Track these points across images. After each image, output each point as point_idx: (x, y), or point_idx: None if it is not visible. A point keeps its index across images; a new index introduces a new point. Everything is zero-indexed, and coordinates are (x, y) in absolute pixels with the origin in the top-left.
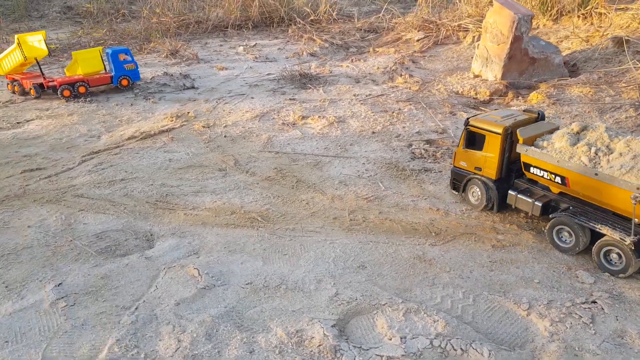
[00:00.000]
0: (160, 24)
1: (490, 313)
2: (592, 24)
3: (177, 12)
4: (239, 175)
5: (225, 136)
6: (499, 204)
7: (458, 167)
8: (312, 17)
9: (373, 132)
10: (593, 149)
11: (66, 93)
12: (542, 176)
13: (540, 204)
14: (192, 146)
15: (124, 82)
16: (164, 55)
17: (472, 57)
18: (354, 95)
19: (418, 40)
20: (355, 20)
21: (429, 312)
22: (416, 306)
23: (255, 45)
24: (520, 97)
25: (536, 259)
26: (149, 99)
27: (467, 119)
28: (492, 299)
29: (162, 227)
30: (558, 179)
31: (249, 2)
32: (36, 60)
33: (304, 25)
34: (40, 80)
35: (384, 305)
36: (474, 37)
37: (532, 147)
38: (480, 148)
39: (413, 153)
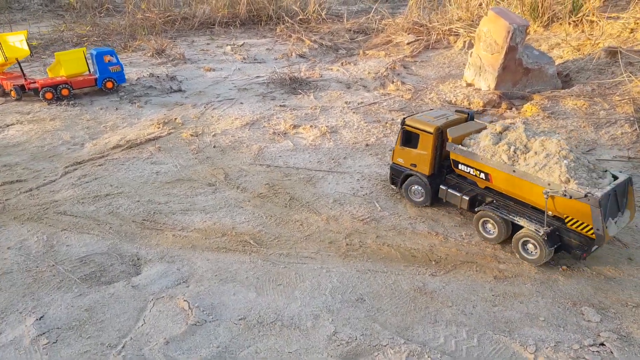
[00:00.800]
0: (146, 20)
1: (496, 356)
2: (583, 31)
3: (163, 8)
4: (229, 191)
5: (214, 146)
6: (433, 197)
7: (396, 164)
8: (300, 17)
9: (367, 145)
10: (512, 148)
11: (48, 95)
12: (469, 172)
13: (467, 198)
14: (180, 157)
15: (109, 85)
16: (150, 54)
17: (464, 64)
18: (346, 102)
19: (408, 44)
20: (345, 20)
21: (433, 356)
22: (419, 348)
23: (243, 44)
24: (514, 108)
25: (540, 292)
26: (135, 102)
27: (404, 118)
28: (497, 340)
29: (149, 251)
30: (482, 175)
31: (239, 1)
32: (17, 60)
33: (293, 24)
34: (22, 81)
35: (385, 346)
36: (464, 42)
37: (460, 146)
38: (415, 146)
39: None
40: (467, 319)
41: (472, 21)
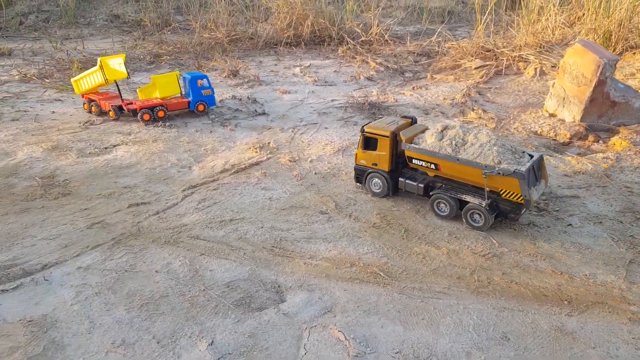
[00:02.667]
0: (212, 39)
1: None
2: None
3: (228, 27)
4: (342, 219)
5: (315, 173)
6: (394, 189)
7: (359, 165)
8: (363, 38)
9: None
10: (453, 142)
11: (146, 117)
12: (421, 165)
13: (422, 185)
14: (286, 183)
15: (200, 108)
16: (225, 74)
17: (539, 92)
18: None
19: (476, 69)
20: (407, 42)
21: None
22: None
23: (309, 66)
24: (600, 141)
25: None
26: (226, 125)
27: (363, 127)
28: None
29: (287, 278)
30: (432, 166)
31: (301, 21)
32: (115, 82)
33: (355, 45)
34: (119, 102)
35: None
36: (535, 69)
37: (412, 145)
38: (374, 149)
39: None
40: None
41: (541, 47)
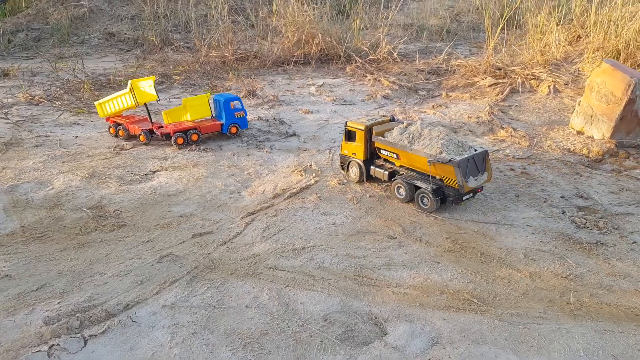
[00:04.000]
0: (219, 58)
1: None
2: None
3: (235, 46)
4: (414, 244)
5: (370, 196)
6: (367, 176)
7: (343, 154)
8: (371, 57)
9: (516, 195)
10: (411, 136)
11: (179, 141)
12: (387, 155)
13: (387, 172)
14: (344, 207)
15: (233, 130)
16: (243, 94)
17: (558, 110)
18: None
19: (490, 87)
20: (417, 61)
21: None
22: None
23: (322, 84)
24: (631, 157)
25: None
26: (262, 148)
27: (346, 122)
28: None
29: (380, 309)
30: (395, 156)
31: (309, 39)
32: (145, 105)
33: (363, 64)
34: (149, 125)
35: None
36: (549, 86)
37: (380, 137)
38: (354, 140)
39: (574, 222)
40: None
41: (550, 64)
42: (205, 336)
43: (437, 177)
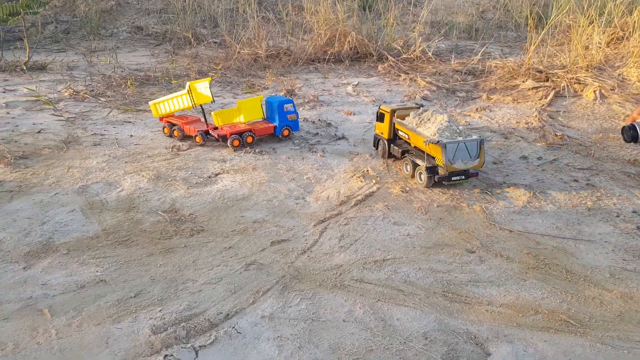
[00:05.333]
0: (252, 55)
1: None
2: None
3: (266, 44)
4: (494, 259)
5: (437, 206)
6: (388, 153)
7: (376, 134)
8: (404, 56)
9: (588, 209)
10: (421, 120)
11: (236, 143)
12: (403, 135)
13: (401, 150)
14: (414, 217)
15: (285, 133)
16: (282, 94)
17: (608, 116)
18: (524, 157)
19: (531, 90)
20: (452, 60)
21: None
22: None
23: (358, 84)
24: None
25: None
26: (315, 152)
27: (379, 105)
28: None
29: (478, 328)
30: (407, 136)
31: (342, 38)
32: (201, 106)
33: (396, 62)
34: (204, 127)
35: None
36: (594, 91)
37: (399, 119)
38: (382, 121)
39: None
40: None
41: (594, 68)
42: (312, 350)
43: (433, 157)
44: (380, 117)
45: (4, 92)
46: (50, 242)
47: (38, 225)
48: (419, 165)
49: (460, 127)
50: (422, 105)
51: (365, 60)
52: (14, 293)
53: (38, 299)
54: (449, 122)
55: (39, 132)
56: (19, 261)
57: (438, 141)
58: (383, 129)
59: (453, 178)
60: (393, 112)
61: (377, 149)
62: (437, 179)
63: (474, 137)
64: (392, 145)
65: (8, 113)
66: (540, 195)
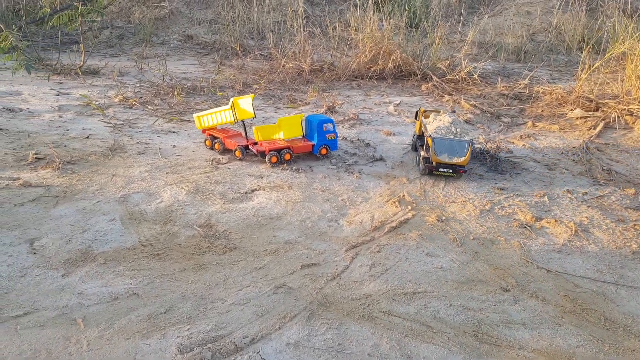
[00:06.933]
0: (297, 70)
1: None
2: None
3: (311, 59)
4: (529, 300)
5: (473, 238)
6: (414, 146)
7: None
8: (449, 76)
9: (633, 253)
10: (435, 119)
11: (273, 159)
12: (424, 131)
13: (419, 143)
14: (448, 250)
15: (323, 152)
16: (323, 110)
17: None
18: (568, 191)
19: (578, 119)
20: (498, 84)
21: None
22: None
23: (399, 103)
24: None
25: None
26: (352, 172)
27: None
28: None
29: None
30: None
31: (386, 55)
32: (242, 121)
33: (441, 83)
34: (244, 141)
35: None
36: None
37: (423, 118)
38: (417, 119)
39: None
40: None
41: None
42: None
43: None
44: (416, 115)
45: (58, 94)
46: (89, 250)
47: (79, 232)
48: (421, 154)
49: (459, 129)
50: (454, 111)
51: (408, 79)
52: (51, 300)
53: (73, 308)
54: (451, 122)
55: (88, 137)
56: (59, 268)
57: (430, 135)
58: (416, 126)
59: (440, 169)
60: (423, 111)
61: (412, 141)
62: (425, 166)
63: (466, 138)
64: (417, 139)
65: (60, 117)
66: (582, 234)
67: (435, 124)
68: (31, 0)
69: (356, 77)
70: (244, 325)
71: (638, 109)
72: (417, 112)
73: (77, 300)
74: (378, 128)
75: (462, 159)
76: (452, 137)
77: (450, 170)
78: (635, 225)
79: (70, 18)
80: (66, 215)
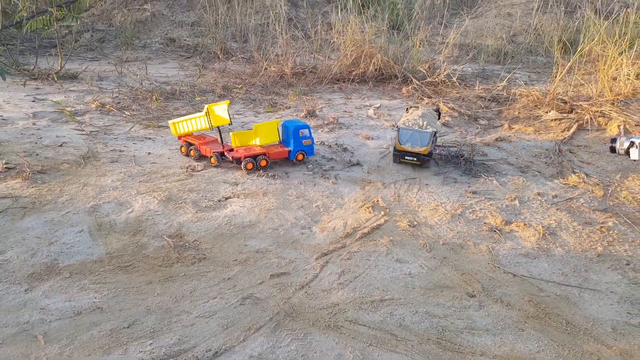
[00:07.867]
0: (278, 73)
1: None
2: None
3: (293, 61)
4: (495, 305)
5: (442, 243)
6: None
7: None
8: (429, 79)
9: (598, 255)
10: (410, 112)
11: (249, 166)
12: None
13: None
14: (417, 255)
15: (300, 157)
16: (303, 114)
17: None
18: (539, 194)
19: (553, 121)
20: (476, 86)
21: None
22: None
23: (379, 107)
24: None
25: None
26: (328, 178)
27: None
28: None
29: None
30: None
31: (367, 59)
32: (218, 127)
33: (421, 86)
34: (220, 148)
35: None
36: (618, 126)
37: (405, 112)
38: (407, 112)
39: None
40: None
41: (620, 101)
42: None
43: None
44: (406, 110)
45: (34, 101)
46: (54, 264)
47: (45, 245)
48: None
49: (426, 122)
50: (437, 110)
51: (389, 82)
52: (12, 317)
53: (35, 324)
54: (420, 116)
55: (61, 145)
56: (22, 283)
57: (396, 125)
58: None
59: (406, 157)
60: (409, 107)
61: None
62: (394, 155)
63: (429, 129)
64: None
65: (34, 124)
66: (550, 237)
67: (408, 117)
68: (10, 3)
69: (338, 81)
70: (208, 338)
71: (610, 110)
72: (407, 109)
73: (39, 316)
74: (357, 132)
75: (424, 148)
76: (418, 128)
77: (415, 159)
78: (601, 227)
79: (45, 23)
80: (33, 227)
